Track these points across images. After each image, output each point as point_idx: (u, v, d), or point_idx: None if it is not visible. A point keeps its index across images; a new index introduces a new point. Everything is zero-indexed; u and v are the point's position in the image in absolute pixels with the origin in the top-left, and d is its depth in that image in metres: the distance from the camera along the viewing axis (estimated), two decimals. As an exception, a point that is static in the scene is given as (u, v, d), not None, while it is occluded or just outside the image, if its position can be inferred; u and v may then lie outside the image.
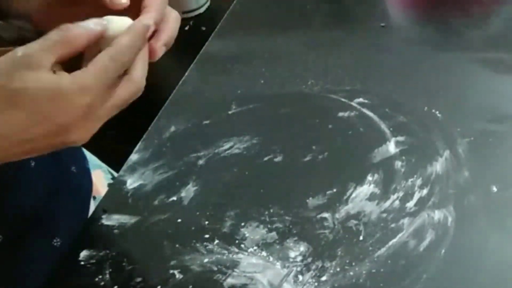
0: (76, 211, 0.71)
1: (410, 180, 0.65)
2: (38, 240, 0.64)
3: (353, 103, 0.75)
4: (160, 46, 0.48)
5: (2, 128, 0.40)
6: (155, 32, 0.48)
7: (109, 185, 0.79)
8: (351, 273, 0.58)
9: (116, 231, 0.66)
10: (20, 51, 0.40)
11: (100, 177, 0.81)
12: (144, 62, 0.46)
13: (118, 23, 0.46)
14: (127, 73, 0.45)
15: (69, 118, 0.41)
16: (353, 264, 0.59)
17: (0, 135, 0.40)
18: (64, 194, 0.69)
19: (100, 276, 0.61)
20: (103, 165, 0.85)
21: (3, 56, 0.41)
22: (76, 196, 0.72)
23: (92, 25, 0.44)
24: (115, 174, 0.79)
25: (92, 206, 0.74)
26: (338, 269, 0.58)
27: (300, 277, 0.58)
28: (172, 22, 0.49)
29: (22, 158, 0.43)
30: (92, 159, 0.81)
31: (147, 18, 0.46)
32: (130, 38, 0.44)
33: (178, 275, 0.60)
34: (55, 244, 0.65)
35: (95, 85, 0.42)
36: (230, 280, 0.59)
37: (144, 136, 0.76)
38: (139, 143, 0.75)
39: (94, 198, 0.76)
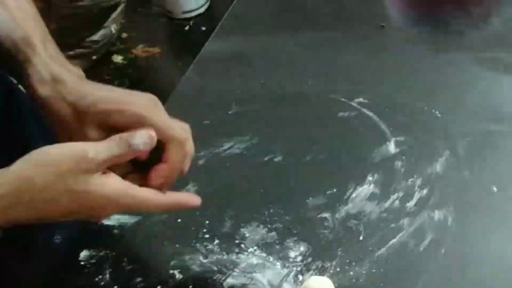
0: None
1: (410, 180, 0.65)
2: (38, 236, 0.64)
3: (353, 103, 0.75)
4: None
5: (50, 213, 0.47)
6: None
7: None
8: (351, 273, 0.58)
9: (116, 231, 0.65)
10: (90, 152, 0.46)
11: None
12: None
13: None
14: None
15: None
16: (353, 264, 0.59)
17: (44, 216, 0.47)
18: None
19: (100, 276, 0.61)
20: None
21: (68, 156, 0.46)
22: None
23: (142, 146, 0.49)
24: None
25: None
26: (338, 269, 0.58)
27: (300, 277, 0.58)
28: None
29: None
30: None
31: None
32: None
33: (178, 275, 0.60)
34: (56, 241, 0.65)
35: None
36: (230, 280, 0.59)
37: (144, 136, 0.76)
38: (139, 143, 0.75)
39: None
